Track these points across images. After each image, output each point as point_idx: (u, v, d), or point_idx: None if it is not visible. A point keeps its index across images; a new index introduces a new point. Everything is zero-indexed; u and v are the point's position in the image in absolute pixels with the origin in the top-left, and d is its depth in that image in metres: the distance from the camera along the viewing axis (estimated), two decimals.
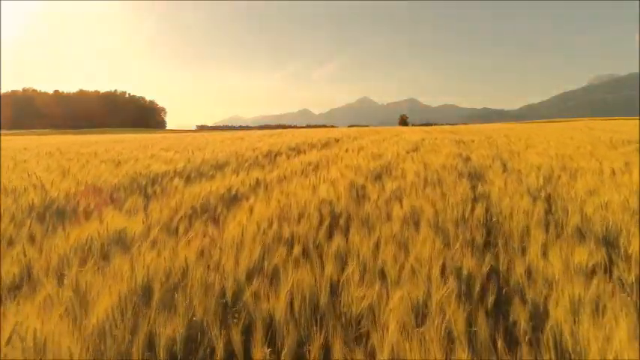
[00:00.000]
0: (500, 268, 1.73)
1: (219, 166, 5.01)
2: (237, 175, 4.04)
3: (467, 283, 1.59)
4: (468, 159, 5.67)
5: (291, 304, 1.34)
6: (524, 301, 1.44)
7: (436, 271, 1.48)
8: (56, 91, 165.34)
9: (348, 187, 3.39)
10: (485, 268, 1.63)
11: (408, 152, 6.26)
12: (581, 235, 2.18)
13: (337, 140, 10.61)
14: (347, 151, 6.74)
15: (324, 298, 1.41)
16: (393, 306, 1.24)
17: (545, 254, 1.69)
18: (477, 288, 1.56)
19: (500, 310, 1.53)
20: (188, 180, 4.09)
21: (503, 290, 1.62)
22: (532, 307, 1.41)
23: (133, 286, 1.34)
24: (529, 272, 1.62)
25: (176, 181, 3.69)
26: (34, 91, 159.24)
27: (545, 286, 1.47)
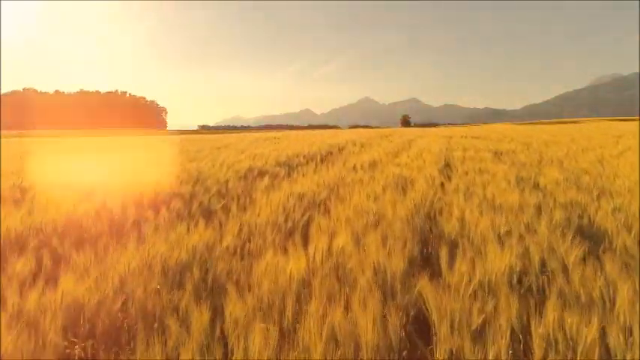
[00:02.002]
0: None
1: (157, 207, 3.17)
2: (166, 235, 2.25)
3: None
4: (536, 186, 3.84)
5: None
6: None
7: None
8: (57, 91, 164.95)
9: (367, 287, 1.58)
10: None
11: (443, 174, 4.43)
12: None
13: (341, 149, 8.73)
14: (355, 170, 4.91)
15: None
16: None
17: None
18: None
19: None
20: (73, 250, 2.27)
21: None
22: None
23: None
24: None
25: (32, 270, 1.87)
26: (35, 91, 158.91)
27: None
